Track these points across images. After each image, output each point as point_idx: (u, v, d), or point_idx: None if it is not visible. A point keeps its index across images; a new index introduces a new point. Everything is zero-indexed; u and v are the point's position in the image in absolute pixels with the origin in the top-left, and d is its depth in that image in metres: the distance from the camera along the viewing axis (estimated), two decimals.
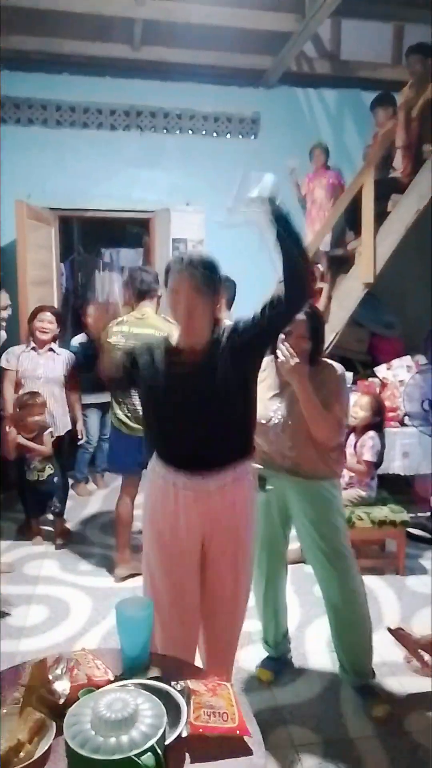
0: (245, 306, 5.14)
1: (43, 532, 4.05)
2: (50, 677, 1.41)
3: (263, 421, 2.29)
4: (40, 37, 5.12)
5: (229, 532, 1.93)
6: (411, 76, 5.07)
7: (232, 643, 2.10)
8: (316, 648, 2.84)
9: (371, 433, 3.50)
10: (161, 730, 1.03)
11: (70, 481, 4.60)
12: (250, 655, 2.76)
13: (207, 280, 1.87)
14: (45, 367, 4.01)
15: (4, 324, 3.27)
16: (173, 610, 1.93)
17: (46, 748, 1.23)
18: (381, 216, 4.78)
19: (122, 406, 3.33)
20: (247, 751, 1.29)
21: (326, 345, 4.90)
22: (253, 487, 2.02)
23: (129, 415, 3.31)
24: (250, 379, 1.95)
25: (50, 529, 4.06)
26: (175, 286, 1.87)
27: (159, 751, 1.01)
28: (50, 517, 4.05)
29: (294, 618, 3.07)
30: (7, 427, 3.72)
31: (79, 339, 4.82)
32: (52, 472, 3.87)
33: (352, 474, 3.55)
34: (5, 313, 3.30)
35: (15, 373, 3.95)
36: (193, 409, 1.86)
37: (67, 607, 3.20)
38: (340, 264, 5.31)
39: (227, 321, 2.07)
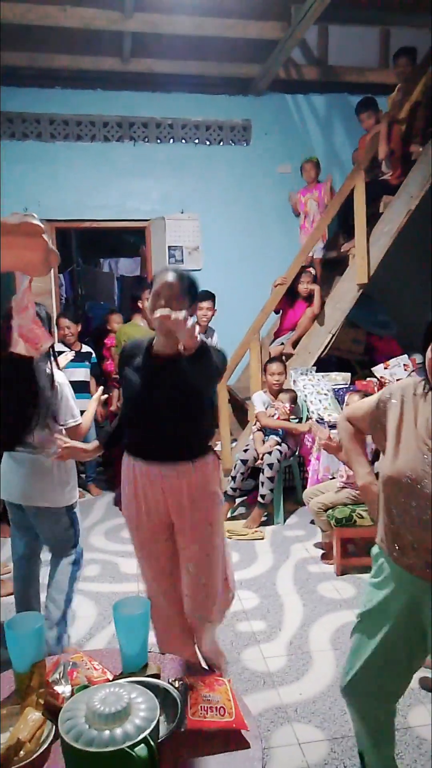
0: (238, 310, 5.22)
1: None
2: (50, 680, 1.44)
3: (409, 478, 1.51)
4: (31, 53, 5.20)
5: (193, 508, 2.15)
6: (398, 79, 5.14)
7: (210, 596, 2.26)
8: (319, 646, 2.85)
9: None
10: (154, 723, 1.05)
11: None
12: (255, 655, 2.78)
13: (184, 289, 2.06)
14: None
15: None
16: (154, 583, 2.30)
17: (46, 747, 1.26)
18: (373, 218, 4.83)
19: None
20: (244, 745, 1.30)
21: (323, 347, 4.96)
22: (215, 471, 2.22)
23: None
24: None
25: None
26: (157, 290, 2.06)
27: (152, 743, 1.03)
28: None
29: (297, 617, 3.10)
30: None
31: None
32: None
33: (350, 474, 3.57)
34: None
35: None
36: (153, 407, 2.09)
37: (72, 612, 3.22)
38: (334, 266, 5.36)
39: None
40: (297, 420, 4.61)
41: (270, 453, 4.32)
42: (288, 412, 4.48)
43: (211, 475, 2.19)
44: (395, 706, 1.78)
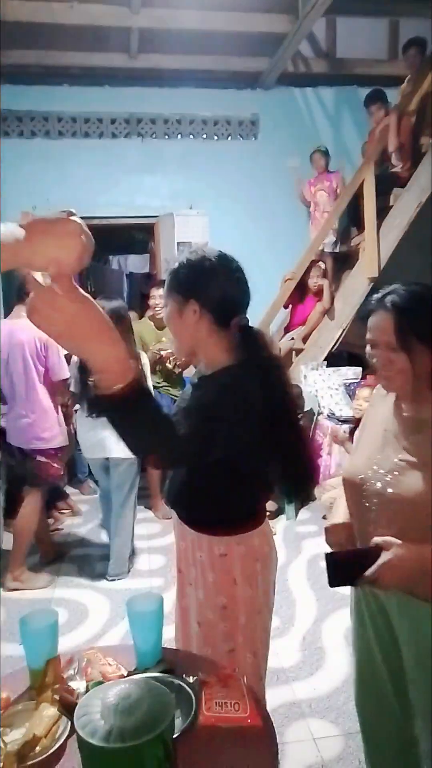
0: (249, 310, 5.21)
1: None
2: (64, 676, 1.44)
3: (359, 477, 1.48)
4: (39, 50, 5.20)
5: (198, 583, 1.68)
6: (408, 70, 5.09)
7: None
8: (333, 643, 2.85)
9: None
10: (169, 718, 1.05)
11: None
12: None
13: (175, 282, 1.51)
14: None
15: None
16: None
17: (61, 742, 1.26)
18: (383, 211, 4.79)
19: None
20: (259, 740, 1.30)
21: (333, 342, 4.94)
22: (249, 560, 1.63)
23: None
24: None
25: None
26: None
27: (167, 739, 1.03)
28: None
29: (311, 612, 3.09)
30: None
31: None
32: None
33: None
34: None
35: None
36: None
37: (85, 609, 3.24)
38: (345, 261, 5.33)
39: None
40: (301, 414, 4.56)
41: None
42: None
43: (223, 571, 1.60)
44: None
